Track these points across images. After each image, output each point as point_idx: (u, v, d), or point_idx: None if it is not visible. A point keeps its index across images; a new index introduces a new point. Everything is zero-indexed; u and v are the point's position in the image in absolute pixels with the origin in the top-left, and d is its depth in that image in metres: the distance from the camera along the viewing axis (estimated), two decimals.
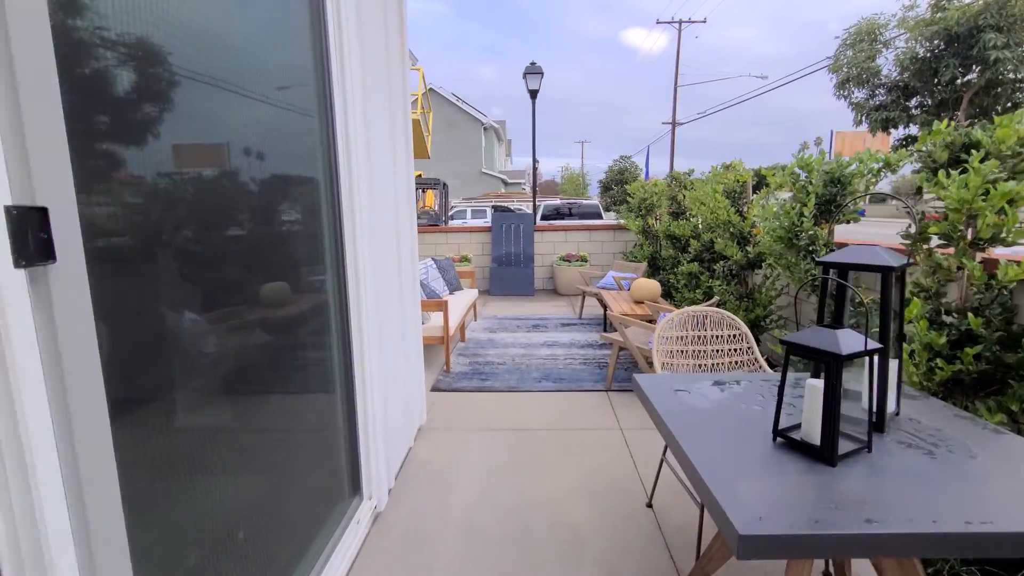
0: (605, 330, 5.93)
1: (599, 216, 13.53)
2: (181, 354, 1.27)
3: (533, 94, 10.54)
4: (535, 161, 11.57)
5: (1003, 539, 1.02)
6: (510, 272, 8.47)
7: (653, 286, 5.09)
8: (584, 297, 6.55)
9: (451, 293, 5.90)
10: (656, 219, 7.57)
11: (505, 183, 35.75)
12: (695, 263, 5.19)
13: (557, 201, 14.60)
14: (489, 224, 8.94)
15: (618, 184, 29.15)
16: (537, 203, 14.28)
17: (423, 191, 15.16)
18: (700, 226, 5.96)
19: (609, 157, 56.93)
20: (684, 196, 6.23)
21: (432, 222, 13.16)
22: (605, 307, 5.87)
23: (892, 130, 11.73)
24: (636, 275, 6.34)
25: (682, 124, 33.30)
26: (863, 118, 12.00)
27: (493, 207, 16.38)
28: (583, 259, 8.48)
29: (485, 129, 34.26)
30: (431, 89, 33.29)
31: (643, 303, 5.06)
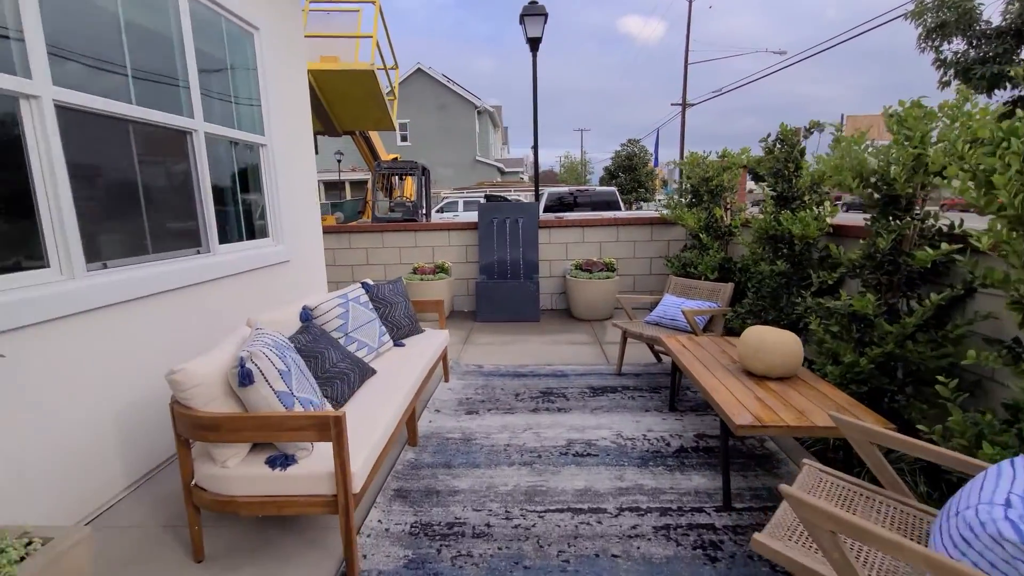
0: (673, 404, 3.36)
1: (618, 207, 10.86)
2: None
3: (534, 43, 7.91)
4: (537, 137, 8.96)
5: None
6: (506, 288, 5.89)
7: (788, 343, 2.52)
8: (625, 339, 3.98)
9: (396, 344, 3.32)
10: (727, 209, 4.99)
11: (501, 172, 33.08)
12: (869, 294, 2.61)
13: (563, 188, 11.90)
14: (476, 220, 6.35)
15: (627, 171, 26.41)
16: (540, 191, 11.70)
17: (400, 178, 12.52)
18: (823, 218, 3.39)
19: (608, 148, 54.13)
20: (805, 166, 3.65)
21: (408, 216, 10.55)
22: (675, 372, 3.29)
23: (996, 91, 9.15)
24: (719, 305, 3.77)
25: (693, 105, 30.80)
26: (951, 76, 9.42)
27: (485, 196, 13.73)
28: (609, 267, 5.91)
29: (479, 113, 31.52)
30: (419, 69, 30.52)
31: (771, 383, 2.49)
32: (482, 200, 13.84)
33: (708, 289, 3.93)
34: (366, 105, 6.77)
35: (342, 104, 6.82)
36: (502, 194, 16.53)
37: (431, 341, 3.48)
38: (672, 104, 31.28)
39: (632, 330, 3.79)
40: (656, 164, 30.10)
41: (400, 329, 3.42)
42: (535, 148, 8.89)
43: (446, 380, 3.92)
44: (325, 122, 7.13)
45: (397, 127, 7.67)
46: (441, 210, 18.16)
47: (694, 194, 5.34)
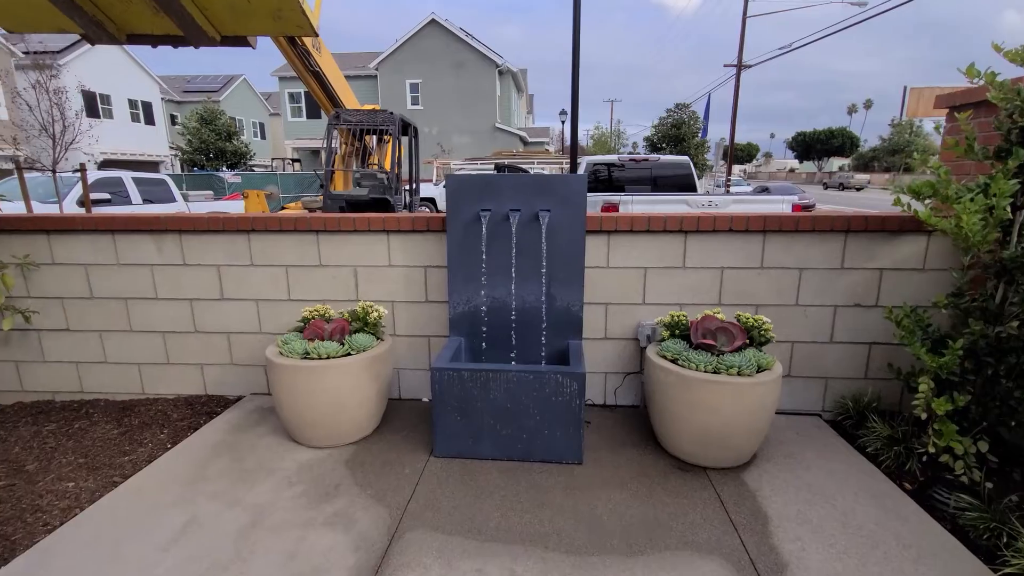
0: None
1: (692, 186, 7.12)
2: None
3: None
4: (576, 80, 5.39)
5: None
6: (504, 384, 2.43)
7: None
8: None
9: None
10: None
11: (524, 142, 29.28)
12: None
13: (610, 157, 8.15)
14: (449, 211, 2.89)
15: (673, 142, 22.28)
16: (576, 160, 8.15)
17: (382, 139, 9.00)
18: None
19: (635, 121, 49.21)
20: None
21: (378, 195, 7.14)
22: None
23: None
24: None
25: (750, 66, 26.48)
26: None
27: (496, 167, 10.18)
28: (757, 339, 2.44)
29: (501, 73, 27.62)
30: (432, 21, 26.61)
31: None
32: (493, 172, 10.13)
33: None
34: None
35: None
36: (520, 165, 12.70)
37: None
38: (725, 65, 26.88)
39: None
40: (704, 135, 25.89)
41: None
42: (574, 85, 5.34)
43: None
44: (182, 20, 3.77)
45: (317, 29, 4.24)
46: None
47: None
